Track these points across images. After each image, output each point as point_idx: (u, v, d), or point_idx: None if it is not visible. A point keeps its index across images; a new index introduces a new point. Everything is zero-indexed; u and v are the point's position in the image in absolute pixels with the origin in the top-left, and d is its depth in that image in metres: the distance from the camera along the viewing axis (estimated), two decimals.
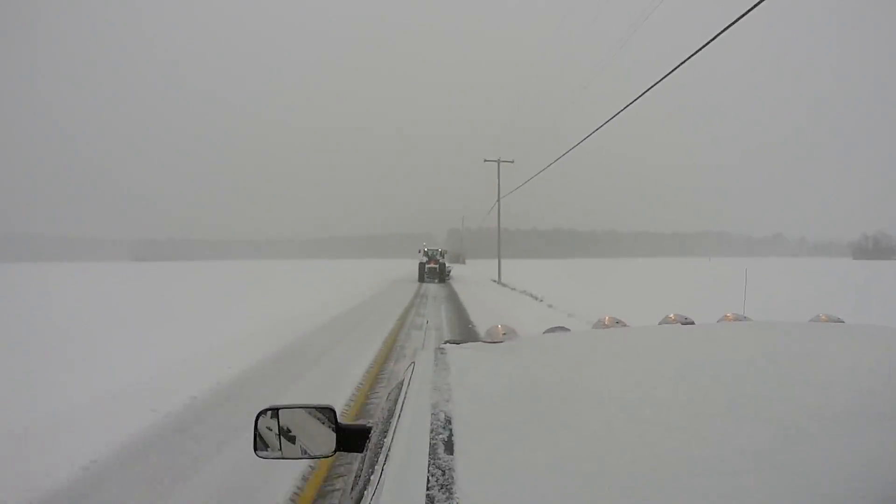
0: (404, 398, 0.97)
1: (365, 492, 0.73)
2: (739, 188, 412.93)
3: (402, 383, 1.16)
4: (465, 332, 9.73)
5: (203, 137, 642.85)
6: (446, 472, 0.61)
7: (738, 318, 1.57)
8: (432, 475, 0.60)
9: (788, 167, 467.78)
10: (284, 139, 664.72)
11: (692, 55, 7.68)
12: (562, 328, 1.56)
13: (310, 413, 1.31)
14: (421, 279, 28.39)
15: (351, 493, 0.94)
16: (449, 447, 0.68)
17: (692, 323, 1.60)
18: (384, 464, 0.71)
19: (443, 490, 0.57)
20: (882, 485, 0.52)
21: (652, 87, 8.83)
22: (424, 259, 30.17)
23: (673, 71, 8.21)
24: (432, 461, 0.64)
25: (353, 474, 1.19)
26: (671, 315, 1.72)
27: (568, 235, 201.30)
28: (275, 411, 1.30)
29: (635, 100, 9.51)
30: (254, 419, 1.31)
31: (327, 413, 1.31)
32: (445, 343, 1.36)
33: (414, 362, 1.22)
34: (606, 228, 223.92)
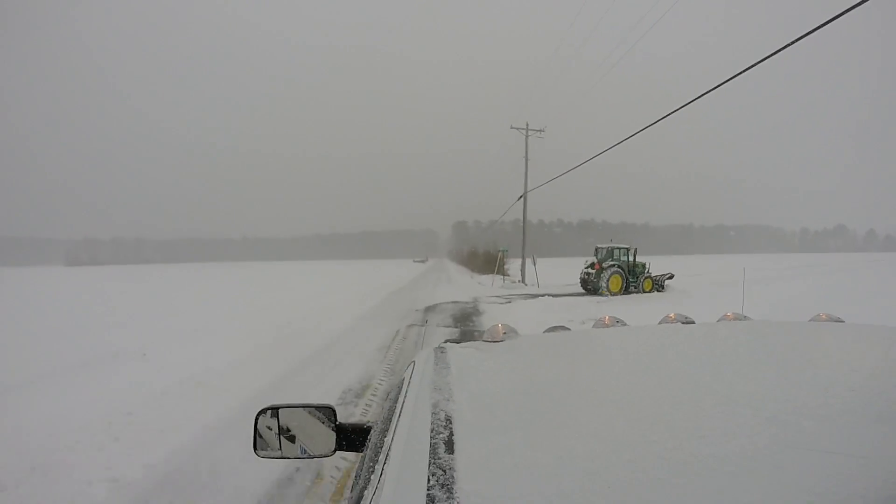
0: (404, 397, 1.03)
1: (365, 491, 0.78)
2: (791, 175, 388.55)
3: (402, 382, 1.21)
4: None
5: (161, 122, 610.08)
6: (447, 471, 0.65)
7: (738, 318, 1.64)
8: (433, 474, 0.64)
9: (849, 150, 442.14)
10: (258, 125, 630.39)
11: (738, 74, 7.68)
12: (562, 327, 1.64)
13: (310, 412, 1.36)
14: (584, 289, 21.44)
15: (351, 492, 1.00)
16: (449, 446, 0.72)
17: (692, 322, 1.66)
18: (384, 463, 0.77)
19: (443, 489, 0.60)
20: (881, 485, 0.55)
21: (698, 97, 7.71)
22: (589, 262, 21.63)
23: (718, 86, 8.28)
24: (433, 461, 0.69)
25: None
26: (671, 315, 1.75)
27: (600, 229, 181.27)
28: (275, 410, 1.36)
29: (677, 109, 9.51)
30: (253, 418, 1.37)
31: (327, 412, 1.37)
32: (446, 342, 1.43)
33: (414, 361, 1.28)
34: (640, 221, 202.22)
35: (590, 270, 21.10)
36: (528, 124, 28.31)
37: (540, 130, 28.54)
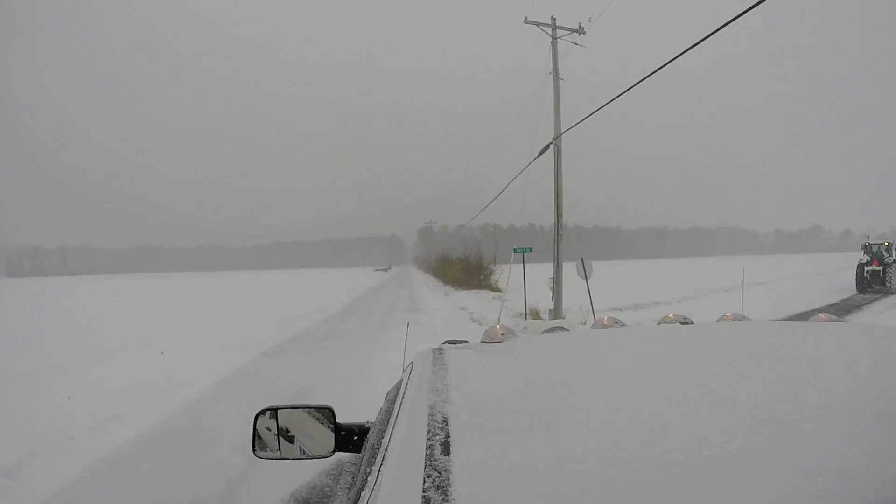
0: (402, 399, 1.03)
1: (362, 493, 0.79)
2: (765, 177, 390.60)
3: (400, 384, 1.22)
4: None
5: (116, 120, 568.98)
6: (443, 473, 0.65)
7: (737, 318, 1.64)
8: (429, 476, 0.64)
9: (823, 150, 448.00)
10: (218, 126, 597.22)
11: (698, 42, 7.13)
12: (561, 328, 1.60)
13: (309, 413, 1.35)
14: (862, 288, 20.80)
15: (348, 493, 1.01)
16: (446, 448, 0.72)
17: (691, 323, 1.67)
18: (381, 464, 0.77)
19: (439, 491, 0.60)
20: (882, 485, 0.55)
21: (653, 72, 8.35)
22: (865, 259, 22.02)
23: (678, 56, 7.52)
24: (429, 462, 0.68)
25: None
26: (670, 315, 1.75)
27: (573, 233, 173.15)
28: (273, 411, 1.34)
29: (637, 83, 8.82)
30: (252, 419, 1.36)
31: (326, 413, 1.36)
32: (444, 343, 1.43)
33: (412, 362, 1.29)
34: (613, 224, 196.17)
35: (874, 268, 20.78)
36: (554, 20, 14.64)
37: (575, 31, 14.65)
